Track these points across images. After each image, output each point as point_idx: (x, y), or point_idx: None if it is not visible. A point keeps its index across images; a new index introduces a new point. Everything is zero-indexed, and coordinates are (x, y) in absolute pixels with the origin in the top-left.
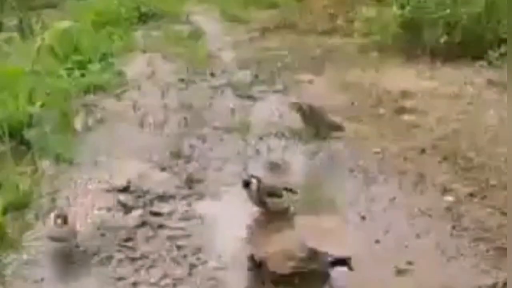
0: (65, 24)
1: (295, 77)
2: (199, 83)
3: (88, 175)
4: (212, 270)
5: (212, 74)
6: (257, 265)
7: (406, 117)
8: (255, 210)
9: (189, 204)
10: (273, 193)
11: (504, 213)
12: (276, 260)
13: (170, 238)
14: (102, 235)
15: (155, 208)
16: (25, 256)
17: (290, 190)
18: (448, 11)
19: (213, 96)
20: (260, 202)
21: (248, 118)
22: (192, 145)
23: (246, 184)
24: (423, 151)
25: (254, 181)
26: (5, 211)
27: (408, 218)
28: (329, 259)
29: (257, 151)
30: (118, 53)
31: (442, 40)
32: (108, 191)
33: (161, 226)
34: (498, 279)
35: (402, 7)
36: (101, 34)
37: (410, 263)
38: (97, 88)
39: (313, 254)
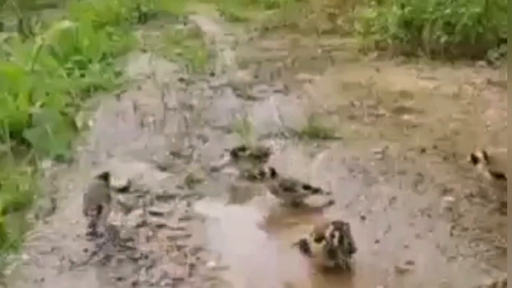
0: (65, 24)
1: (295, 77)
2: (199, 83)
3: (88, 175)
4: (212, 270)
5: (212, 74)
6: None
7: (406, 117)
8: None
9: (189, 204)
10: None
11: (504, 213)
12: None
13: (170, 238)
14: (102, 235)
15: (155, 208)
16: (25, 256)
17: None
18: (448, 11)
19: (213, 96)
20: None
21: (248, 118)
22: (192, 145)
23: None
24: (423, 151)
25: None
26: (5, 211)
27: (408, 218)
28: None
29: None
30: (118, 53)
31: (442, 40)
32: None
33: (161, 226)
34: (498, 279)
35: (402, 7)
36: (101, 34)
37: (410, 263)
38: (97, 88)
39: None
